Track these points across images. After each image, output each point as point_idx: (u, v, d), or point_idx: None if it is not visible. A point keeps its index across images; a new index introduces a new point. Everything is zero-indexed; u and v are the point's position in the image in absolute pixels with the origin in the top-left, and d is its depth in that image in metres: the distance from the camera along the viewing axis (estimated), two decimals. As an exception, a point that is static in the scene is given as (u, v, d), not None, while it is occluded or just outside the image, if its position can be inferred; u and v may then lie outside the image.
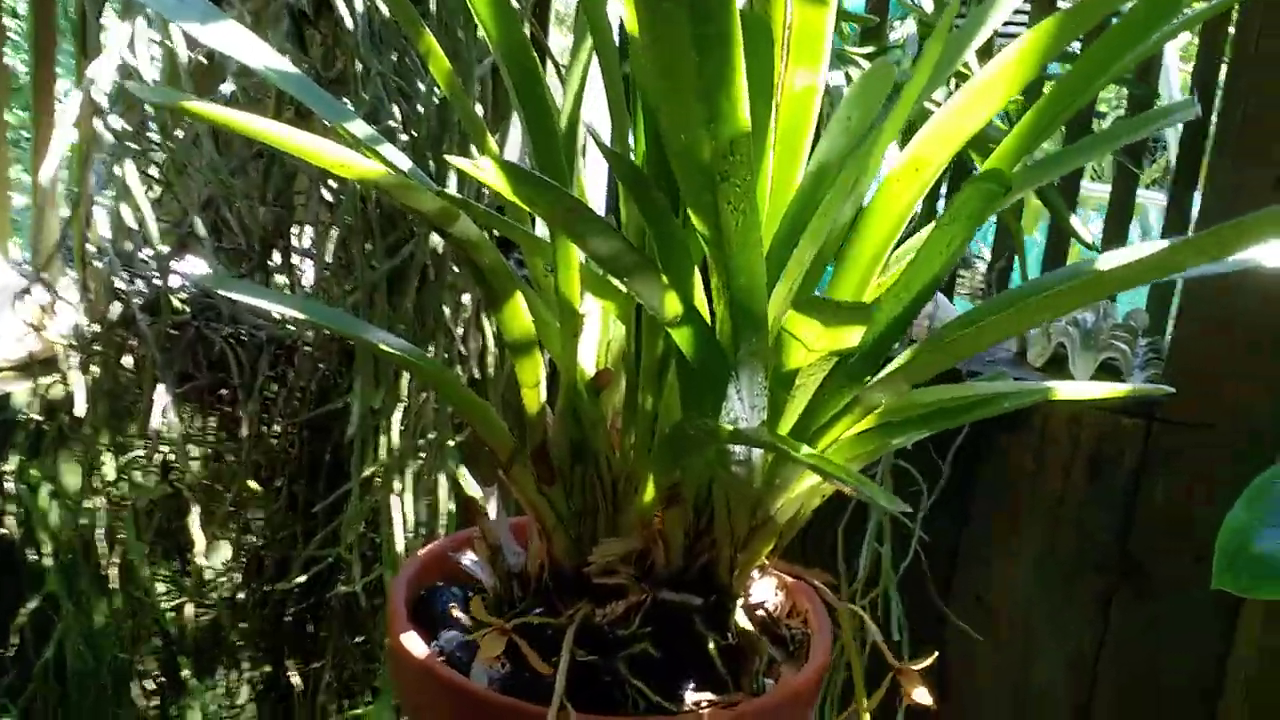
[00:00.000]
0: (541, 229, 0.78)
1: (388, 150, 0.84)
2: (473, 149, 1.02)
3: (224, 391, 1.25)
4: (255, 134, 0.57)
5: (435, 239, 1.24)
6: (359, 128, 0.84)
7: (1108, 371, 1.50)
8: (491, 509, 0.95)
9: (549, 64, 1.44)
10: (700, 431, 0.71)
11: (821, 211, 0.68)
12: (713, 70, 0.48)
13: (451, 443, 1.31)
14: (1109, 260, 0.64)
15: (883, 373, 0.69)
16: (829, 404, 0.71)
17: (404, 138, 1.23)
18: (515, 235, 0.81)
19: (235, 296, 0.76)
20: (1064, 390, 0.74)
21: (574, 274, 0.81)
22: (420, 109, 1.24)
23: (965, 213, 0.59)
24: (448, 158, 0.57)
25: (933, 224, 0.61)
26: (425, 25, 1.00)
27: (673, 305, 0.63)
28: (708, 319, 0.68)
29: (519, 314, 0.79)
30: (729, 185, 0.54)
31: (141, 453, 1.20)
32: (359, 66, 1.19)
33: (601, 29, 0.77)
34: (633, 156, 0.81)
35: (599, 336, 0.91)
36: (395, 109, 1.21)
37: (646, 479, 0.79)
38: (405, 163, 0.87)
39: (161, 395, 1.17)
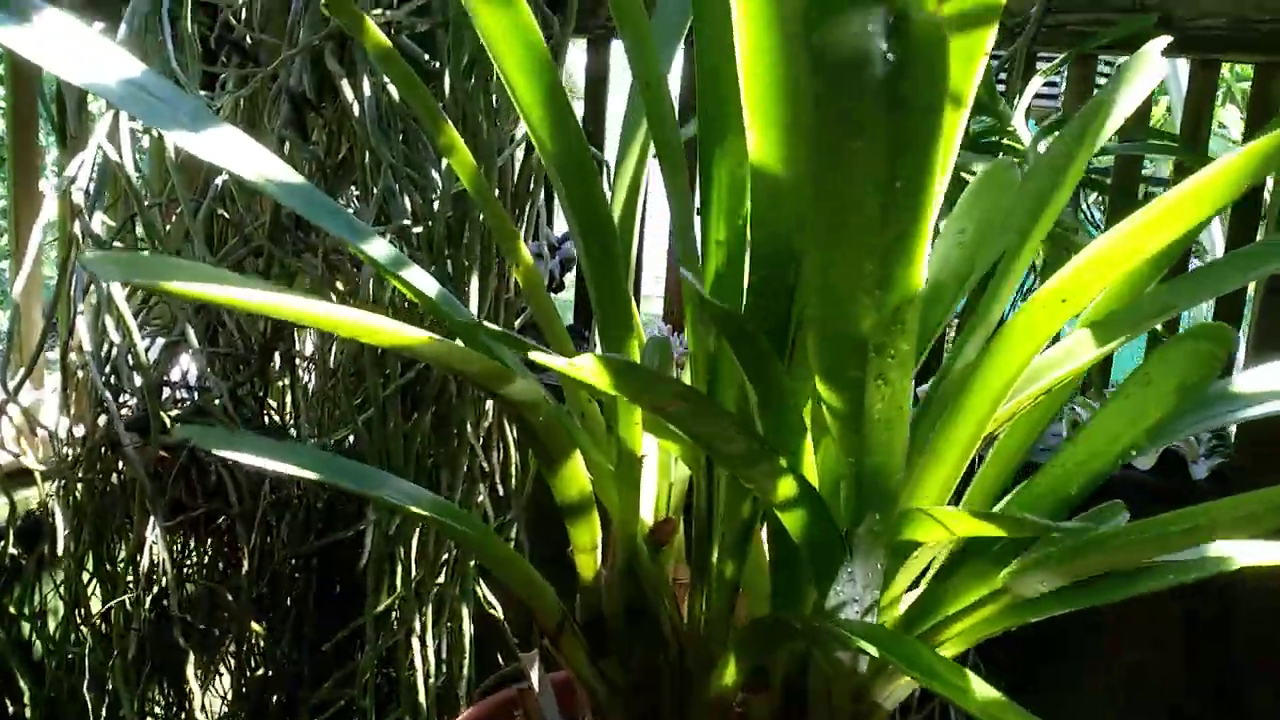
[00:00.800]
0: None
1: (414, 275, 0.72)
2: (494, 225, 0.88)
3: (222, 520, 1.12)
4: (267, 310, 0.45)
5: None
6: (378, 249, 0.72)
7: (1170, 460, 1.38)
8: (534, 676, 0.82)
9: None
10: (803, 626, 0.58)
11: (957, 378, 0.56)
12: (901, 223, 0.36)
13: (474, 562, 1.18)
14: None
15: (1030, 556, 0.57)
16: (963, 592, 0.59)
17: (418, 229, 1.11)
18: (568, 371, 0.69)
19: (232, 456, 0.63)
20: (1246, 557, 0.61)
21: (636, 418, 0.69)
22: (435, 199, 1.12)
23: (1171, 382, 0.46)
24: (535, 356, 0.45)
25: (1119, 387, 0.48)
26: (446, 119, 0.89)
27: (786, 488, 0.51)
28: (817, 492, 0.56)
29: (578, 474, 0.66)
30: (883, 358, 0.42)
31: (129, 594, 1.07)
32: (367, 155, 1.07)
33: (672, 148, 0.65)
34: (702, 284, 0.69)
35: (658, 479, 0.79)
36: (407, 200, 1.09)
37: (723, 656, 0.67)
38: (432, 286, 0.74)
39: (152, 528, 1.04)
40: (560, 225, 1.74)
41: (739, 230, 0.69)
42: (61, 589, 1.16)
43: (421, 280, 0.72)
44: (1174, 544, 0.47)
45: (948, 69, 0.32)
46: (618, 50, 1.79)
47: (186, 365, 1.24)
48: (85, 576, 1.17)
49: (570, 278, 1.79)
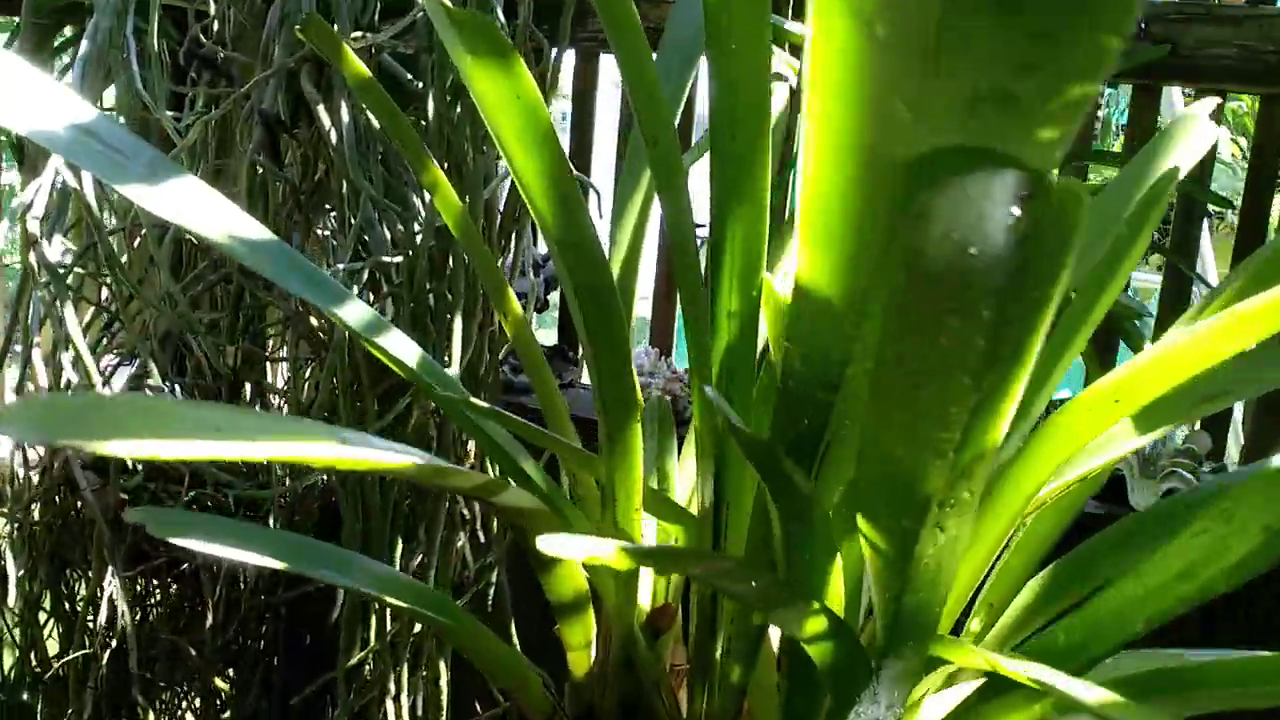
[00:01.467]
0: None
1: (392, 341, 0.66)
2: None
3: (185, 566, 1.06)
4: (227, 458, 0.39)
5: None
6: (353, 313, 0.65)
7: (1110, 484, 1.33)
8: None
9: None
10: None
11: (993, 475, 0.50)
12: (990, 393, 0.31)
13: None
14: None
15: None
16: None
17: (399, 257, 1.04)
18: (563, 452, 0.64)
19: (190, 545, 0.57)
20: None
21: (636, 503, 0.63)
22: (418, 230, 1.05)
23: (1257, 523, 0.41)
24: (545, 548, 0.38)
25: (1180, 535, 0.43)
26: (429, 155, 0.82)
27: (814, 625, 0.45)
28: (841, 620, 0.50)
29: (573, 573, 0.61)
30: (943, 510, 0.36)
31: (86, 646, 1.00)
32: (344, 183, 1.01)
33: (685, 226, 0.59)
34: (710, 360, 0.63)
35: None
36: (386, 230, 1.03)
37: (728, 763, 0.61)
38: (412, 352, 0.68)
39: (110, 577, 0.98)
40: (544, 243, 1.67)
41: (752, 301, 0.63)
42: (14, 633, 1.10)
43: (400, 346, 0.66)
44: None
45: (1081, 238, 0.27)
46: (607, 61, 1.72)
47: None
48: (41, 617, 1.10)
49: (554, 296, 1.73)
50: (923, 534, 0.37)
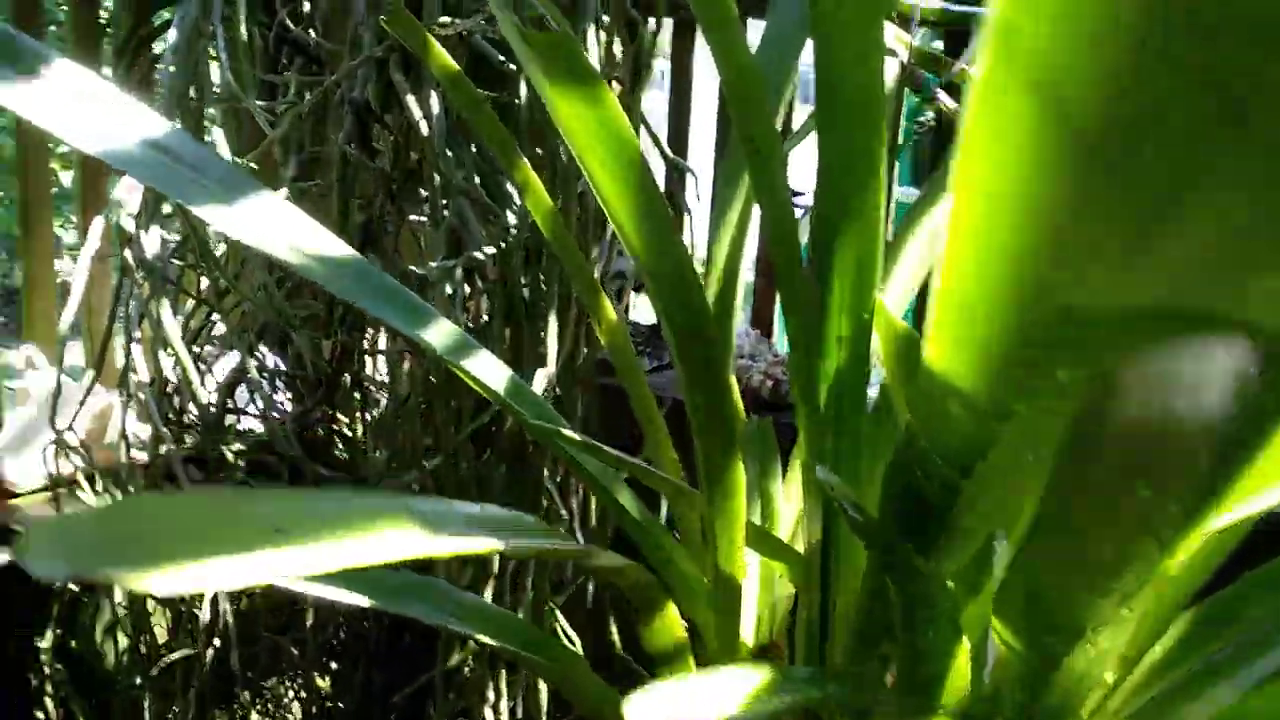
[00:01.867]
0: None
1: (479, 364, 0.62)
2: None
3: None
4: (309, 573, 0.35)
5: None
6: (437, 334, 0.62)
7: None
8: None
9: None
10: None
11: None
12: (1184, 535, 0.25)
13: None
14: None
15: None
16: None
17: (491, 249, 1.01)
18: (662, 488, 0.59)
19: (295, 587, 0.54)
20: None
21: (738, 542, 0.58)
22: (512, 221, 1.01)
23: None
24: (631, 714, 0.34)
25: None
26: (520, 153, 0.78)
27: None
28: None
29: (671, 625, 0.56)
30: (1098, 633, 0.31)
31: (190, 645, 1.01)
32: (436, 175, 0.97)
33: (789, 243, 0.54)
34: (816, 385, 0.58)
35: (759, 595, 0.69)
36: (477, 224, 0.99)
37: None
38: (500, 375, 0.64)
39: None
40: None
41: (863, 326, 0.58)
42: (125, 624, 1.11)
43: (488, 370, 0.62)
44: None
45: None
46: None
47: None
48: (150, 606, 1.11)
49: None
50: (1074, 651, 0.32)
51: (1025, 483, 0.31)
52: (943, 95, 1.28)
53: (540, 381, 1.00)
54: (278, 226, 0.58)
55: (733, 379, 0.62)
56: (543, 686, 1.07)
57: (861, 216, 0.55)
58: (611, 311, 0.80)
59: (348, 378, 1.18)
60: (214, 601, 0.99)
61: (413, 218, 1.11)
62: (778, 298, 1.63)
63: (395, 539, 0.34)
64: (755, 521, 0.71)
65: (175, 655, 0.99)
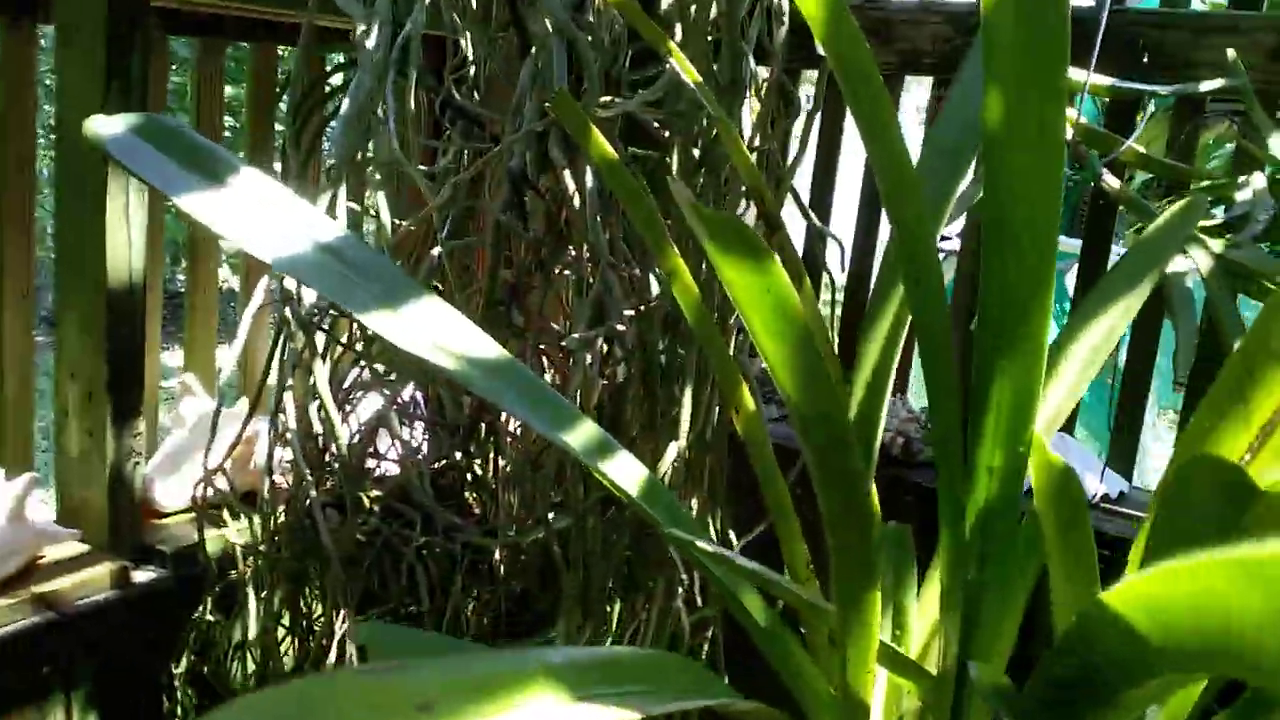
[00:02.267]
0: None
1: (617, 467, 0.63)
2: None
3: (412, 608, 1.08)
4: None
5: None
6: (579, 436, 0.63)
7: None
8: None
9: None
10: None
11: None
12: None
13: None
14: None
15: None
16: None
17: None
18: (799, 604, 0.59)
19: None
20: None
21: (869, 665, 0.57)
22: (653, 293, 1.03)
23: None
24: None
25: None
26: (670, 241, 0.79)
27: None
28: None
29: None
30: None
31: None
32: (585, 246, 0.99)
33: (947, 386, 0.53)
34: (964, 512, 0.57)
35: (884, 705, 0.68)
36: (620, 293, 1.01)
37: None
38: (635, 475, 0.65)
39: (342, 620, 1.01)
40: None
41: (1017, 458, 0.56)
42: (255, 653, 1.16)
43: (625, 472, 0.63)
44: None
45: None
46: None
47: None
48: (280, 634, 1.16)
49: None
50: None
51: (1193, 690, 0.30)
52: (1107, 175, 1.25)
53: (671, 453, 1.01)
54: (436, 332, 0.60)
55: (873, 491, 0.62)
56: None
57: (1024, 349, 0.54)
58: (750, 401, 0.80)
59: (484, 426, 1.21)
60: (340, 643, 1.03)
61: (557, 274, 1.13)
62: (916, 355, 1.61)
63: (536, 710, 0.35)
64: (888, 628, 0.70)
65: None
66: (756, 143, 1.07)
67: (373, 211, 1.03)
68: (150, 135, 0.57)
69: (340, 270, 0.58)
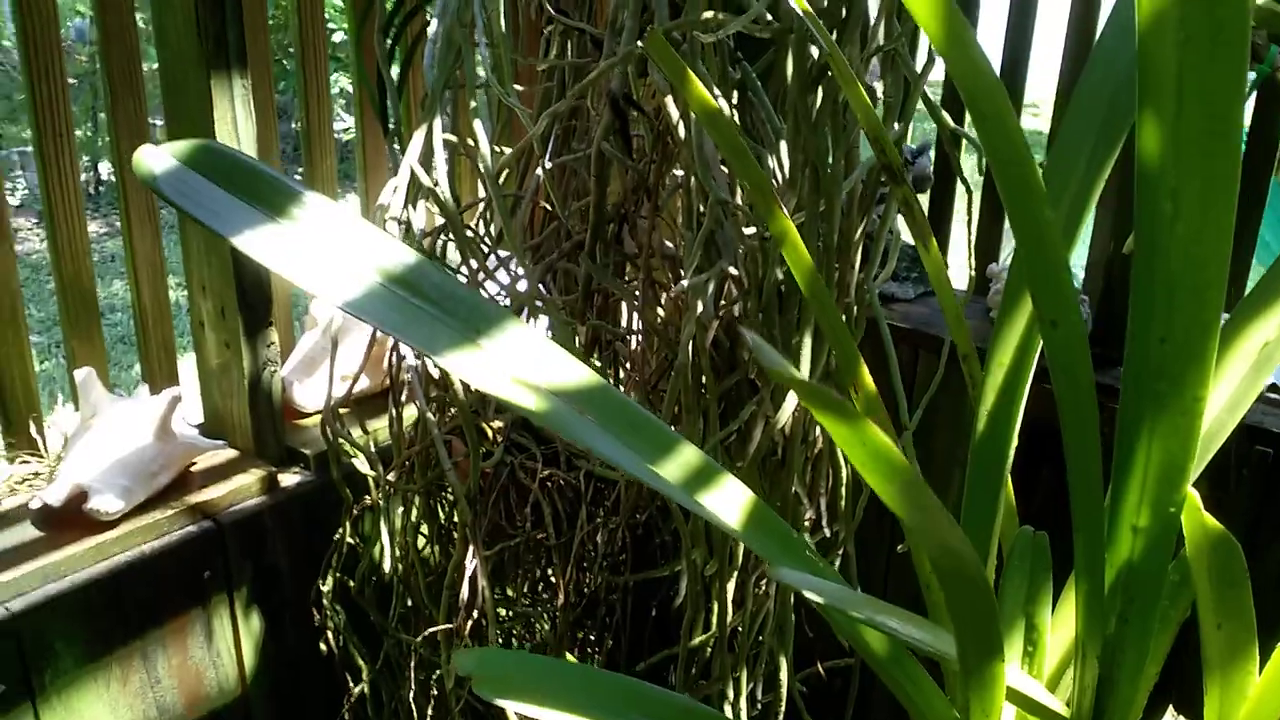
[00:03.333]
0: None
1: (722, 498, 0.59)
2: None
3: (542, 537, 1.09)
4: None
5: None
6: (674, 469, 0.59)
7: None
8: None
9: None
10: None
11: None
12: None
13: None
14: None
15: None
16: None
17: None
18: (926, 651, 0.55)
19: (510, 707, 0.55)
20: None
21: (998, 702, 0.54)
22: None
23: None
24: None
25: None
26: (779, 201, 0.72)
27: None
28: None
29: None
30: None
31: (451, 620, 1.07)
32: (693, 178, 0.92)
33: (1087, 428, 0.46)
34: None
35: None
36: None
37: None
38: (738, 510, 0.60)
39: (471, 556, 1.03)
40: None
41: (1167, 519, 0.50)
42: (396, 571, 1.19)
43: (728, 504, 0.58)
44: None
45: None
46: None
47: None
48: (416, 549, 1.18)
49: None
50: None
51: None
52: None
53: (789, 408, 0.95)
54: (515, 362, 0.56)
55: (997, 619, 0.56)
56: (784, 686, 1.07)
57: (1179, 409, 0.46)
58: (869, 381, 0.74)
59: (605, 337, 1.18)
60: (473, 579, 1.04)
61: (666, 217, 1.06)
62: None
63: None
64: (1019, 644, 0.66)
65: (436, 629, 1.05)
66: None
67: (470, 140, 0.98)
68: (205, 166, 0.54)
69: (413, 305, 0.54)
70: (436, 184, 0.94)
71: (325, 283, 0.52)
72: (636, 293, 0.99)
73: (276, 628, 1.36)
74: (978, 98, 0.47)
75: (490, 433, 1.09)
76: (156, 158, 0.53)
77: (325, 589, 1.16)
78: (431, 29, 0.95)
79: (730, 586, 1.02)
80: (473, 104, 0.97)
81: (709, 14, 0.85)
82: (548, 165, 1.00)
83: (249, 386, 1.37)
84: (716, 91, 0.88)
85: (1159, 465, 0.48)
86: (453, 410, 1.11)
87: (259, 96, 1.32)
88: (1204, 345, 0.44)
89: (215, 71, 1.21)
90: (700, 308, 0.88)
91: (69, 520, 1.20)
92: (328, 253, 0.53)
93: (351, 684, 1.20)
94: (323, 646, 1.19)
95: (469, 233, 1.01)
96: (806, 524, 1.07)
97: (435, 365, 1.04)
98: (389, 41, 1.02)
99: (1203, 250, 0.42)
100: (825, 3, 0.86)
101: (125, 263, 1.41)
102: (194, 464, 1.37)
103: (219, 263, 1.31)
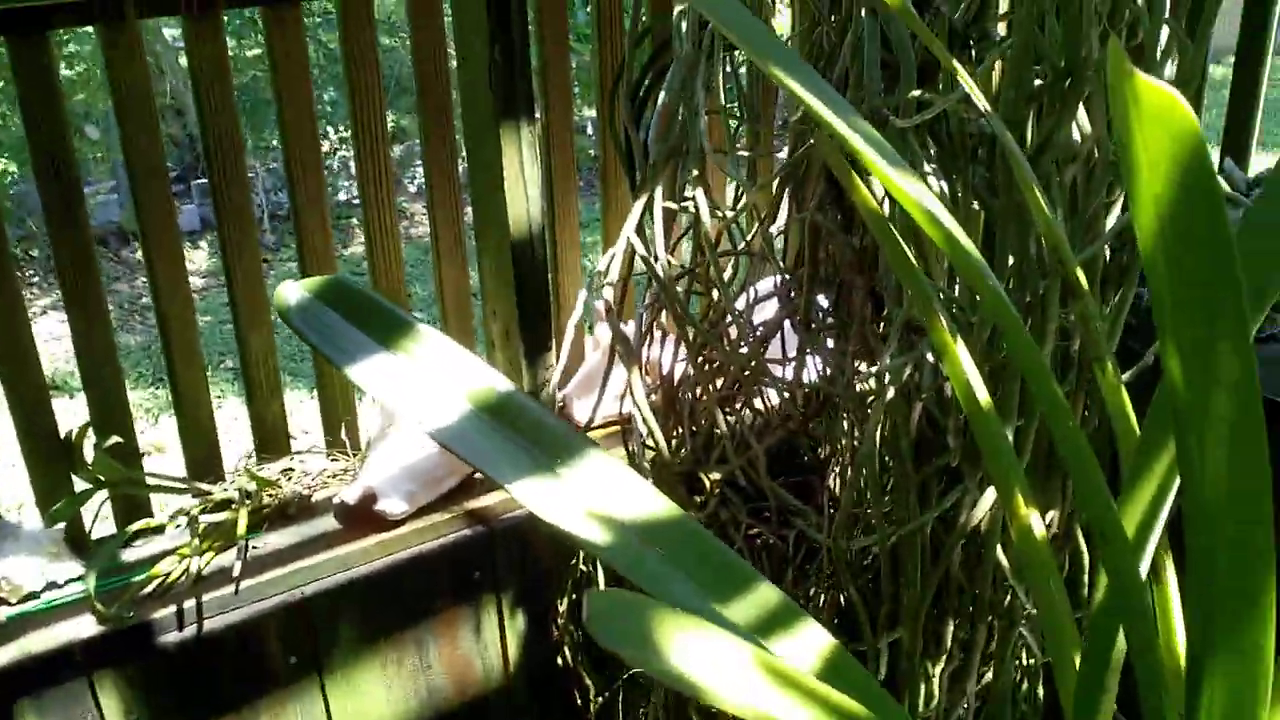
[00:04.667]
0: None
1: (798, 644, 0.58)
2: None
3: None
4: None
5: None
6: (744, 609, 0.58)
7: None
8: None
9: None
10: None
11: None
12: None
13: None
14: None
15: None
16: None
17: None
18: None
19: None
20: None
21: None
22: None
23: None
24: None
25: None
26: (940, 315, 0.69)
27: None
28: None
29: None
30: None
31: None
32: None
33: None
34: None
35: None
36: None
37: None
38: (820, 650, 0.58)
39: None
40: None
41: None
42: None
43: (807, 649, 0.57)
44: None
45: None
46: None
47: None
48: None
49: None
50: None
51: None
52: None
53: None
54: (594, 495, 0.58)
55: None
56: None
57: (1238, 649, 0.40)
58: (1024, 511, 0.68)
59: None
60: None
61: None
62: None
63: None
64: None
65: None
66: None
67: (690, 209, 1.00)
68: (332, 299, 0.60)
69: (500, 435, 0.58)
70: (655, 257, 0.98)
71: (420, 410, 0.57)
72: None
73: (539, 628, 1.47)
74: None
75: (708, 484, 1.11)
76: (293, 292, 0.61)
77: (561, 609, 1.24)
78: (660, 98, 0.98)
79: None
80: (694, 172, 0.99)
81: (916, 92, 0.82)
82: (772, 230, 1.00)
83: (527, 402, 1.48)
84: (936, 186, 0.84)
85: (1222, 704, 0.41)
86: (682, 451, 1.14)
87: (560, 138, 1.45)
88: (1258, 584, 0.38)
89: (505, 123, 1.32)
90: (891, 393, 0.85)
91: (362, 517, 1.37)
92: (428, 382, 0.58)
93: (593, 693, 1.28)
94: (559, 661, 1.27)
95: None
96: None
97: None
98: (632, 104, 1.06)
99: (1242, 481, 0.36)
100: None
101: (434, 292, 1.56)
102: (476, 472, 1.50)
103: (505, 287, 1.43)
